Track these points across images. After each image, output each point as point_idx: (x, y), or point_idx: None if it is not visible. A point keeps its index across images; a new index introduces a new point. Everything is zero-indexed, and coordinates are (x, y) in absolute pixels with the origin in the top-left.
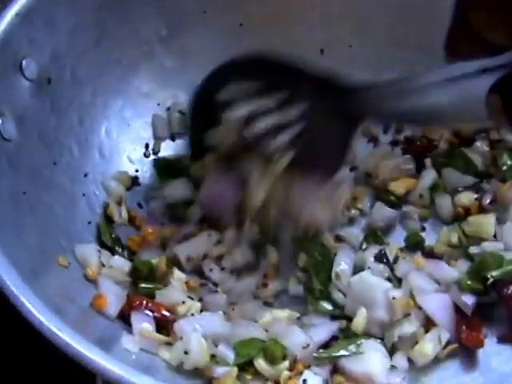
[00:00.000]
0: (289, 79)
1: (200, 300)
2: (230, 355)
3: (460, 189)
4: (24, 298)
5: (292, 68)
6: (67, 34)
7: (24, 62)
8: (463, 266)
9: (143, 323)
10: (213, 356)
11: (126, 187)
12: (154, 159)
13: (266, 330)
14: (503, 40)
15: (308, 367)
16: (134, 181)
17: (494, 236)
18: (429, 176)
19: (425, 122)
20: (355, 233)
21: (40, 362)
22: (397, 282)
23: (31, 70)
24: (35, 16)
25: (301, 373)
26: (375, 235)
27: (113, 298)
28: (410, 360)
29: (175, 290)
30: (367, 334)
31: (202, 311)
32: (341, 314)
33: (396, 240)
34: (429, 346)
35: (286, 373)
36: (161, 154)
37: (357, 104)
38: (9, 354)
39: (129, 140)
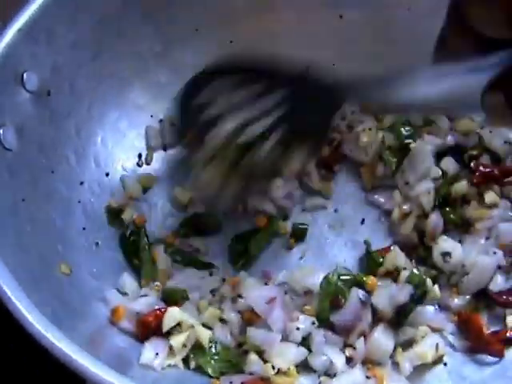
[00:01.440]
0: (266, 75)
1: None
2: None
3: None
4: (23, 308)
5: (268, 65)
6: (67, 48)
7: (25, 75)
8: None
9: None
10: None
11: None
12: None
13: None
14: (503, 33)
15: None
16: None
17: None
18: None
19: (410, 111)
20: None
21: (40, 362)
22: None
23: (32, 82)
24: (37, 32)
25: None
26: None
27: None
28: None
29: None
30: None
31: None
32: None
33: None
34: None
35: None
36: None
37: (339, 91)
38: (9, 354)
39: (123, 150)
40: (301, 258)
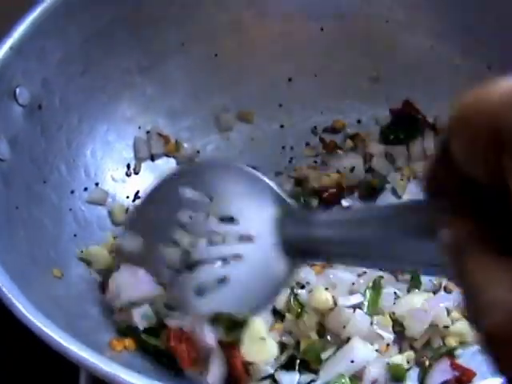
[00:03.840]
0: None
1: None
2: None
3: None
4: (14, 298)
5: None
6: (57, 64)
7: (17, 90)
8: None
9: None
10: None
11: None
12: None
13: None
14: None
15: None
16: None
17: None
18: None
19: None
20: None
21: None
22: None
23: (24, 97)
24: (28, 49)
25: None
26: None
27: None
28: None
29: None
30: None
31: None
32: None
33: None
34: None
35: None
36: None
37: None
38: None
39: (112, 160)
40: None
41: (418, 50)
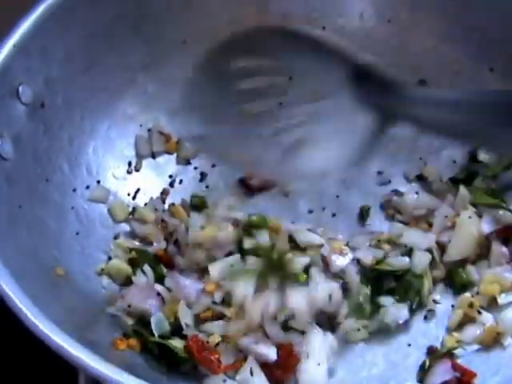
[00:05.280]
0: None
1: None
2: None
3: None
4: (18, 301)
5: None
6: (59, 62)
7: (20, 88)
8: None
9: None
10: None
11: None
12: None
13: None
14: None
15: None
16: None
17: None
18: None
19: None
20: None
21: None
22: None
23: (27, 95)
24: (31, 47)
25: None
26: None
27: None
28: None
29: None
30: None
31: None
32: None
33: None
34: None
35: None
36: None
37: (392, 99)
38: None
39: (113, 158)
40: None
41: (420, 50)
